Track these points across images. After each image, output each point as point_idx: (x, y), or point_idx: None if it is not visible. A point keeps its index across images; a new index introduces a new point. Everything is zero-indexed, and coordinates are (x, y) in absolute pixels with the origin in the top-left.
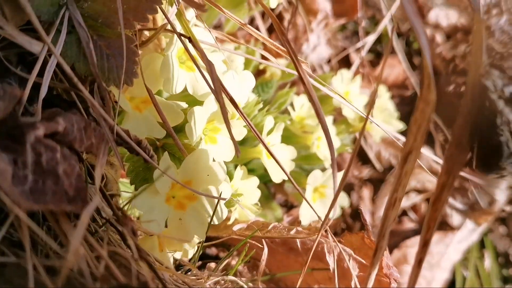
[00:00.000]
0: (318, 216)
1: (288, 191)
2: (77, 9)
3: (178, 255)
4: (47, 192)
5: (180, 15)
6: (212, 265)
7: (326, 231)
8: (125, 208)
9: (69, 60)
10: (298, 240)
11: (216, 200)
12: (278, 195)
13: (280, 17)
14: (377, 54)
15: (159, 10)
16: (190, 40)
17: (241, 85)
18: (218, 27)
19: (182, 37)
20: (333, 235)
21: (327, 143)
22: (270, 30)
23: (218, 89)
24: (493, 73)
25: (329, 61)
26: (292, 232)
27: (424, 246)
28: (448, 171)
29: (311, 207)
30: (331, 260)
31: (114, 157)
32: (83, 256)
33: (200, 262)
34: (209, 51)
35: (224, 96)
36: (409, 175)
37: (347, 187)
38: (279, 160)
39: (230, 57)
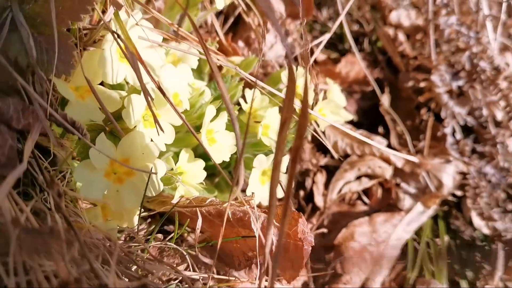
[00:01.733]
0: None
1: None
2: (20, 11)
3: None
4: None
5: (117, 14)
6: (159, 235)
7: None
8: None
9: (12, 54)
10: (229, 212)
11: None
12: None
13: (240, 19)
14: (340, 52)
15: (96, 10)
16: (119, 37)
17: (178, 77)
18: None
19: (116, 35)
20: (256, 206)
21: (227, 110)
22: (228, 32)
23: (139, 74)
24: (441, 68)
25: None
26: (225, 205)
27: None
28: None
29: (224, 175)
30: (255, 228)
31: (66, 139)
32: (7, 208)
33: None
34: (155, 49)
35: (157, 87)
36: (285, 141)
37: (303, 173)
38: (222, 145)
39: (185, 57)
